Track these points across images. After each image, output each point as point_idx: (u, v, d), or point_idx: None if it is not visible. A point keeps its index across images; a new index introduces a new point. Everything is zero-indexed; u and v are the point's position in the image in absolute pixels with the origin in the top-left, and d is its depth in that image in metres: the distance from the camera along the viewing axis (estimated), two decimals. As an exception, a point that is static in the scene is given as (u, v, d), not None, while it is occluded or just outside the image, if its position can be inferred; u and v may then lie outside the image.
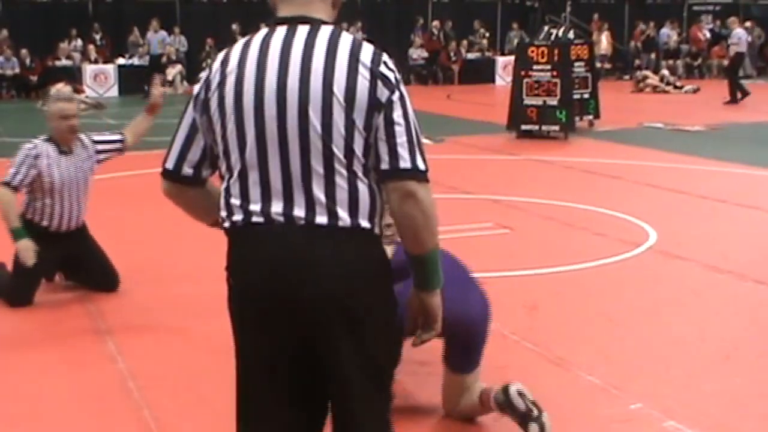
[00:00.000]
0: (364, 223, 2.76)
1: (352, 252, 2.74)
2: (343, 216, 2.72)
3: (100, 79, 25.30)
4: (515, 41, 25.67)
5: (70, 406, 4.96)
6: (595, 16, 30.24)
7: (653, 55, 30.11)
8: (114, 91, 25.26)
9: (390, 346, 2.95)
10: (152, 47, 25.86)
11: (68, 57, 25.79)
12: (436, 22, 30.57)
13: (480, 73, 29.30)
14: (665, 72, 26.73)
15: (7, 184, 6.61)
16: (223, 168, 2.86)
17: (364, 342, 2.78)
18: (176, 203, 3.09)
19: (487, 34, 30.62)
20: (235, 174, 2.81)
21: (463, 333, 4.46)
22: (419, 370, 5.16)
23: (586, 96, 16.84)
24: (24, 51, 25.13)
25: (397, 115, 2.74)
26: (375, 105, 2.72)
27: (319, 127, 2.70)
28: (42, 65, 25.34)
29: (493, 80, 29.05)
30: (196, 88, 2.91)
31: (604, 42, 29.12)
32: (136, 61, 26.53)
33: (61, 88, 21.33)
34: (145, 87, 25.35)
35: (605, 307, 6.63)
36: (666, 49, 30.53)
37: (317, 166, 2.72)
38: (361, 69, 2.72)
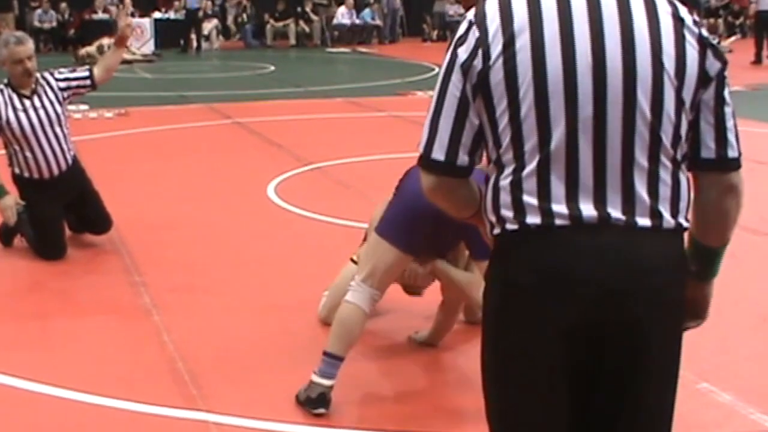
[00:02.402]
0: (684, 222, 2.32)
1: (675, 257, 2.33)
2: (667, 216, 2.27)
3: (137, 33, 25.25)
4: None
5: (107, 357, 5.01)
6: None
7: (694, 14, 29.65)
8: (150, 45, 25.26)
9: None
10: (189, 1, 25.83)
11: (105, 10, 25.83)
12: (473, -22, 30.33)
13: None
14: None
15: None
16: (506, 157, 2.29)
17: (672, 354, 2.43)
18: (441, 200, 2.49)
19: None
20: (531, 166, 2.25)
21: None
22: (426, 325, 5.16)
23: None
24: (63, 5, 25.26)
25: (727, 93, 2.34)
26: (703, 80, 2.29)
27: (647, 110, 2.22)
28: (79, 18, 25.43)
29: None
30: (462, 53, 2.28)
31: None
32: (172, 15, 26.54)
33: (107, 40, 21.53)
34: (181, 41, 25.52)
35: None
36: (707, 7, 30.12)
37: (641, 157, 2.24)
38: (687, 34, 2.29)
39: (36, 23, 24.90)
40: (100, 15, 25.65)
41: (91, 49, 21.54)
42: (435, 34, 29.64)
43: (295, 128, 12.68)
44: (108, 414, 4.34)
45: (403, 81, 18.22)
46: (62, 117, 6.83)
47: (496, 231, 2.36)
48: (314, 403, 4.24)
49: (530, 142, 2.25)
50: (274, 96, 16.09)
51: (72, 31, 25.10)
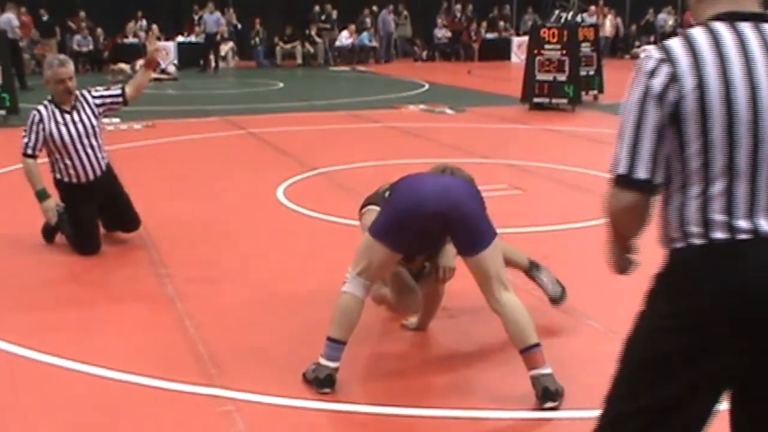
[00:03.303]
0: None
1: None
2: None
3: (162, 55, 25.25)
4: (529, 23, 25.46)
5: (136, 339, 5.00)
6: (601, 2, 29.85)
7: (652, 38, 29.78)
8: (173, 67, 25.22)
9: None
10: (208, 26, 25.82)
11: (134, 35, 25.83)
12: (458, 6, 30.37)
13: (497, 51, 29.08)
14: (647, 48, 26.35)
15: (25, 154, 6.63)
16: (694, 178, 2.35)
17: None
18: (633, 217, 2.47)
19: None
20: (718, 186, 2.32)
21: (454, 218, 4.24)
22: (441, 314, 5.15)
23: (591, 73, 16.62)
24: (99, 30, 25.36)
25: None
26: None
27: None
28: (112, 43, 25.47)
29: (509, 58, 28.81)
30: (656, 85, 2.35)
31: (607, 25, 28.76)
32: (193, 38, 26.52)
33: (136, 63, 21.53)
34: (200, 62, 25.49)
35: (606, 260, 6.58)
36: (662, 32, 30.16)
37: None
38: None
39: (75, 47, 24.87)
40: (131, 39, 25.63)
41: (125, 66, 21.63)
42: (425, 54, 29.65)
43: (301, 138, 12.67)
44: (136, 389, 4.33)
45: (397, 96, 18.20)
46: (97, 129, 6.82)
47: (679, 245, 2.40)
48: (322, 383, 4.23)
49: (718, 165, 2.32)
50: (282, 109, 16.05)
51: (106, 54, 25.11)
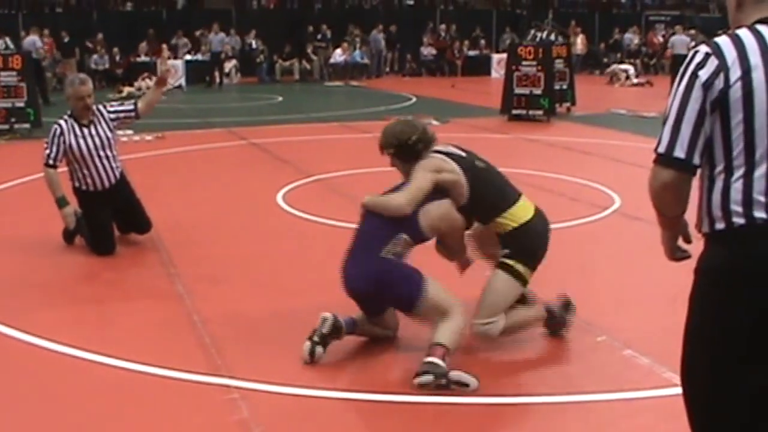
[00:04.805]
0: None
1: None
2: None
3: (171, 74, 25.18)
4: (507, 41, 25.49)
5: (148, 333, 4.99)
6: (573, 22, 29.88)
7: (618, 55, 29.86)
8: (182, 82, 25.20)
9: None
10: (213, 45, 25.79)
11: (147, 54, 25.79)
12: (443, 26, 30.40)
13: (479, 67, 29.09)
14: (627, 67, 26.37)
15: (47, 164, 6.64)
16: (737, 161, 2.36)
17: None
18: (671, 195, 2.49)
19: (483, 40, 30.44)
20: (761, 169, 2.34)
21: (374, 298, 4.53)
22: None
23: (564, 87, 16.67)
24: (115, 49, 25.34)
25: None
26: None
27: None
28: (127, 61, 25.45)
29: (489, 73, 28.81)
30: (703, 74, 2.36)
31: (579, 43, 28.80)
32: (199, 57, 26.48)
33: (146, 78, 21.52)
34: (206, 78, 25.45)
35: (579, 259, 6.61)
36: (628, 50, 30.23)
37: None
38: None
39: (93, 66, 24.78)
40: (143, 58, 25.59)
41: (132, 89, 21.68)
42: (410, 68, 29.66)
43: (299, 147, 12.66)
44: (149, 379, 4.33)
45: (387, 108, 18.17)
46: (112, 141, 6.83)
47: (720, 226, 2.42)
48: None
49: (761, 149, 2.34)
50: (281, 121, 16.03)
51: (120, 71, 25.06)
